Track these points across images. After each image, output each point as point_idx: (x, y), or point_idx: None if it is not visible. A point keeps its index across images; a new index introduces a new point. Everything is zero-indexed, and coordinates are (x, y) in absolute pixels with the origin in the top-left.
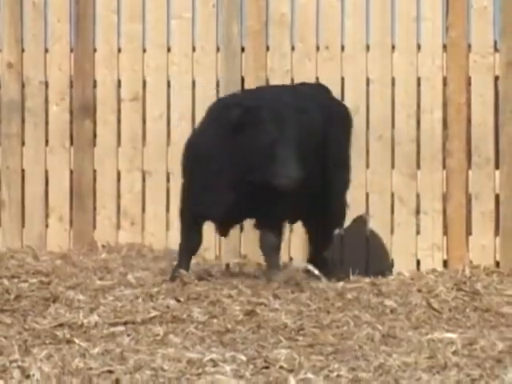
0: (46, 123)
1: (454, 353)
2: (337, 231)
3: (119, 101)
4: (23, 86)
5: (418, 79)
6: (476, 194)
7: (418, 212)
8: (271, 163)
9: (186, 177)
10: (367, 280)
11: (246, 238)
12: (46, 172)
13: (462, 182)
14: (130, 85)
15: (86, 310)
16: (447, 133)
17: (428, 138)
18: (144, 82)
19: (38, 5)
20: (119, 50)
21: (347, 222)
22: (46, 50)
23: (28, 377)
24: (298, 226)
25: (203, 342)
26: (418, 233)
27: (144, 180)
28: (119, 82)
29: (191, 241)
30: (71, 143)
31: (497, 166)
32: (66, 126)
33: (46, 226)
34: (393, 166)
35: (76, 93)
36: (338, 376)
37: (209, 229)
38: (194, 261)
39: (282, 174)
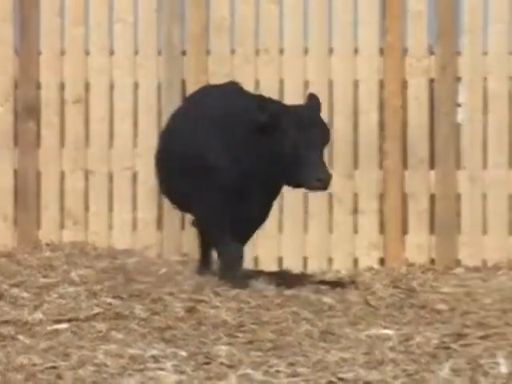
0: None
1: (391, 349)
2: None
3: (63, 103)
4: None
5: (356, 82)
6: (411, 193)
7: (355, 211)
8: (300, 166)
9: (212, 186)
10: (306, 277)
11: (188, 236)
12: None
13: (397, 182)
14: (73, 87)
15: (30, 307)
16: (384, 134)
17: (365, 140)
18: (87, 85)
19: None
20: (63, 53)
21: (286, 221)
22: None
23: None
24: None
25: (145, 339)
26: (355, 232)
27: (87, 180)
28: (63, 84)
29: (237, 248)
30: (15, 144)
31: (432, 167)
32: (11, 127)
33: None
34: (331, 167)
35: (20, 95)
36: (277, 371)
37: (150, 226)
38: (134, 259)
39: (313, 177)
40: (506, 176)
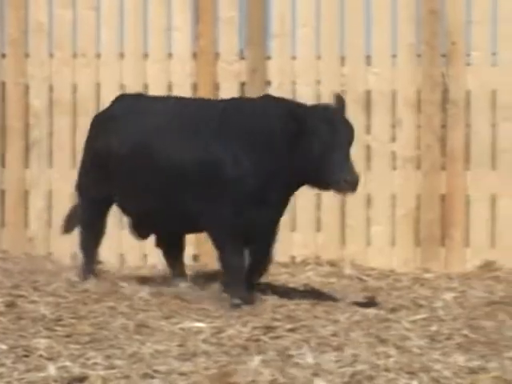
0: None
1: (203, 341)
2: None
3: None
4: None
5: (170, 85)
6: None
7: None
8: (328, 168)
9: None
10: (121, 272)
11: (7, 233)
12: None
13: None
14: None
15: None
16: None
17: None
18: None
19: None
20: None
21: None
22: None
23: None
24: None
25: None
26: None
27: None
28: None
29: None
30: None
31: None
32: None
33: None
34: None
35: None
36: (95, 364)
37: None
38: None
39: (341, 179)
40: None
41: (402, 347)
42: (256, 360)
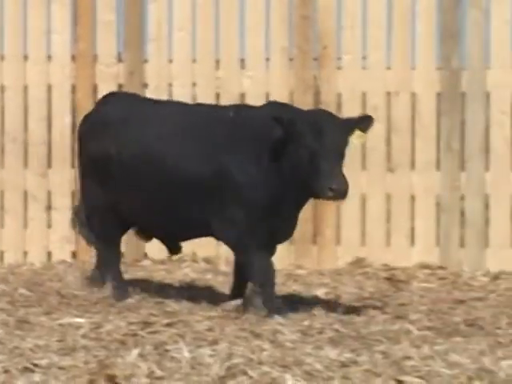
0: None
1: (83, 336)
2: None
3: None
4: None
5: (49, 87)
6: None
7: (49, 208)
8: (315, 176)
9: (241, 204)
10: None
11: None
12: None
13: None
14: None
15: None
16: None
17: (58, 141)
18: None
19: None
20: None
21: None
22: None
23: None
24: None
25: None
26: (49, 227)
27: None
28: None
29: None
30: None
31: None
32: None
33: None
34: (26, 166)
35: None
36: None
37: None
38: None
39: (326, 187)
40: None
41: (276, 341)
42: (134, 354)
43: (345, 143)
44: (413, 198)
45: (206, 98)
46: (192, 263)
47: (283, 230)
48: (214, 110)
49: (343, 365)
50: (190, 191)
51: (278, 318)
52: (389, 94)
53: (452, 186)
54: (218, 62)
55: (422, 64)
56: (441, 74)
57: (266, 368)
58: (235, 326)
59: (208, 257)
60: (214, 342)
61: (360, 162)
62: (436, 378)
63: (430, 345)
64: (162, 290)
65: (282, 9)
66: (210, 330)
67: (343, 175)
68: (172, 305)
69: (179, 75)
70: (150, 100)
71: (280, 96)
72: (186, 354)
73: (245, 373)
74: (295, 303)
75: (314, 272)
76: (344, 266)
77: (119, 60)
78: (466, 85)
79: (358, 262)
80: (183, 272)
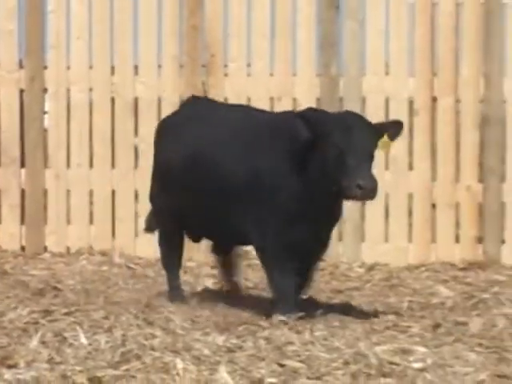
0: None
1: None
2: None
3: None
4: None
5: None
6: (5, 189)
7: None
8: (343, 175)
9: (271, 208)
10: None
11: None
12: None
13: None
14: None
15: None
16: None
17: None
18: None
19: None
20: None
21: None
22: None
23: None
24: None
25: None
26: None
27: None
28: None
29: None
30: None
31: (22, 165)
32: None
33: None
34: None
35: None
36: None
37: None
38: None
39: (353, 185)
40: (87, 175)
41: (167, 329)
42: (35, 341)
43: (373, 144)
44: None
45: (102, 102)
46: (89, 256)
47: (317, 237)
48: (266, 115)
49: (229, 350)
50: (229, 196)
51: (169, 307)
52: (272, 98)
53: None
54: (113, 68)
55: (302, 71)
56: (320, 81)
57: (157, 353)
58: (129, 315)
59: (103, 250)
60: (110, 330)
61: None
62: (315, 362)
63: (310, 331)
64: (61, 281)
65: (172, 19)
66: (105, 318)
67: (372, 174)
68: (70, 295)
69: (77, 81)
70: (218, 105)
71: (171, 100)
72: (84, 341)
73: (138, 358)
74: (186, 293)
75: (203, 264)
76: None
77: (20, 66)
78: (344, 90)
79: (244, 255)
80: (81, 264)
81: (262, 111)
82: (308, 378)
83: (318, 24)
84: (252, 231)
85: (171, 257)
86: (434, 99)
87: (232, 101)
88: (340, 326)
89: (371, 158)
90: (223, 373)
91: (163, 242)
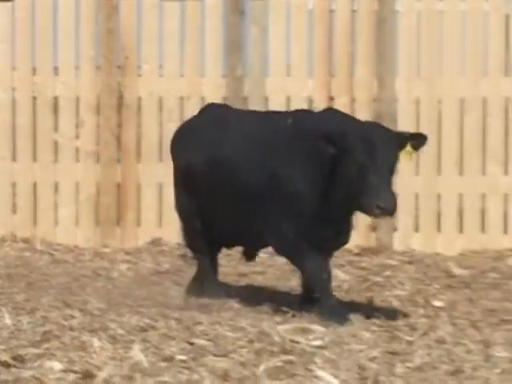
0: None
1: None
2: None
3: None
4: None
5: None
6: None
7: None
8: (364, 192)
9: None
10: None
11: None
12: None
13: None
14: None
15: None
16: None
17: None
18: None
19: None
20: None
21: None
22: None
23: None
24: None
25: None
26: None
27: None
28: None
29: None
30: None
31: None
32: None
33: None
34: None
35: None
36: None
37: None
38: None
39: (373, 206)
40: (10, 167)
41: (85, 310)
42: None
43: (395, 159)
44: None
45: (24, 100)
46: (12, 243)
47: (331, 240)
48: (279, 118)
49: (142, 329)
50: (246, 200)
51: (86, 290)
52: (182, 98)
53: None
54: (34, 69)
55: (210, 72)
56: (226, 81)
57: (76, 333)
58: (50, 297)
59: (26, 237)
60: (32, 311)
61: (158, 156)
62: (222, 340)
63: (218, 312)
64: None
65: (89, 23)
66: (27, 300)
67: (392, 192)
68: None
69: (1, 81)
70: (235, 111)
71: (89, 99)
72: (8, 322)
73: (58, 337)
74: (101, 277)
75: (118, 250)
76: (143, 245)
77: None
78: (248, 90)
79: (156, 242)
80: (4, 250)
81: (283, 116)
82: (215, 355)
83: (224, 29)
84: (272, 236)
85: (203, 264)
86: (332, 98)
87: (146, 100)
88: (245, 306)
89: (392, 173)
90: (137, 351)
91: (192, 250)
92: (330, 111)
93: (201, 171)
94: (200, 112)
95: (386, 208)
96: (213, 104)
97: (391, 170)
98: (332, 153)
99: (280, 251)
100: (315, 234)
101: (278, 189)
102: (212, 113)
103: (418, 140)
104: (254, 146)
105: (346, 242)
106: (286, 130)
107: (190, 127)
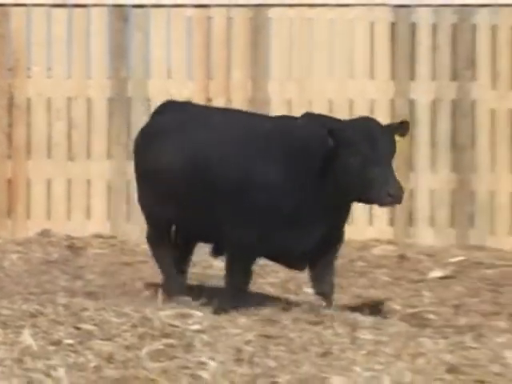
0: None
1: None
2: None
3: None
4: None
5: None
6: None
7: None
8: (370, 183)
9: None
10: None
11: None
12: None
13: None
14: None
15: None
16: None
17: None
18: None
19: None
20: None
21: None
22: None
23: None
24: None
25: None
26: None
27: None
28: None
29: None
30: None
31: None
32: None
33: None
34: None
35: None
36: None
37: None
38: None
39: (384, 194)
40: None
41: None
42: None
43: (394, 149)
44: (89, 182)
45: None
46: None
47: (306, 242)
48: (255, 119)
49: (32, 315)
50: (216, 197)
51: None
52: (70, 98)
53: (121, 172)
54: None
55: (96, 74)
56: (111, 83)
57: None
58: None
59: None
60: None
61: (47, 153)
62: (107, 325)
63: (103, 298)
64: None
65: None
66: None
67: (397, 179)
68: None
69: None
70: (199, 108)
71: None
72: None
73: None
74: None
75: (9, 241)
76: (33, 236)
77: None
78: (132, 91)
79: (45, 233)
80: None
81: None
82: (100, 339)
83: (109, 34)
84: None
85: (166, 259)
86: (210, 100)
87: (35, 100)
88: (129, 293)
89: (392, 162)
90: (27, 335)
91: (155, 247)
92: (308, 115)
93: (179, 171)
94: (158, 111)
95: (397, 195)
96: (170, 102)
97: (392, 159)
98: (331, 146)
99: (229, 242)
100: (279, 235)
101: (248, 188)
102: (173, 111)
103: (403, 128)
104: (230, 145)
105: (340, 238)
106: (262, 130)
107: (157, 128)
